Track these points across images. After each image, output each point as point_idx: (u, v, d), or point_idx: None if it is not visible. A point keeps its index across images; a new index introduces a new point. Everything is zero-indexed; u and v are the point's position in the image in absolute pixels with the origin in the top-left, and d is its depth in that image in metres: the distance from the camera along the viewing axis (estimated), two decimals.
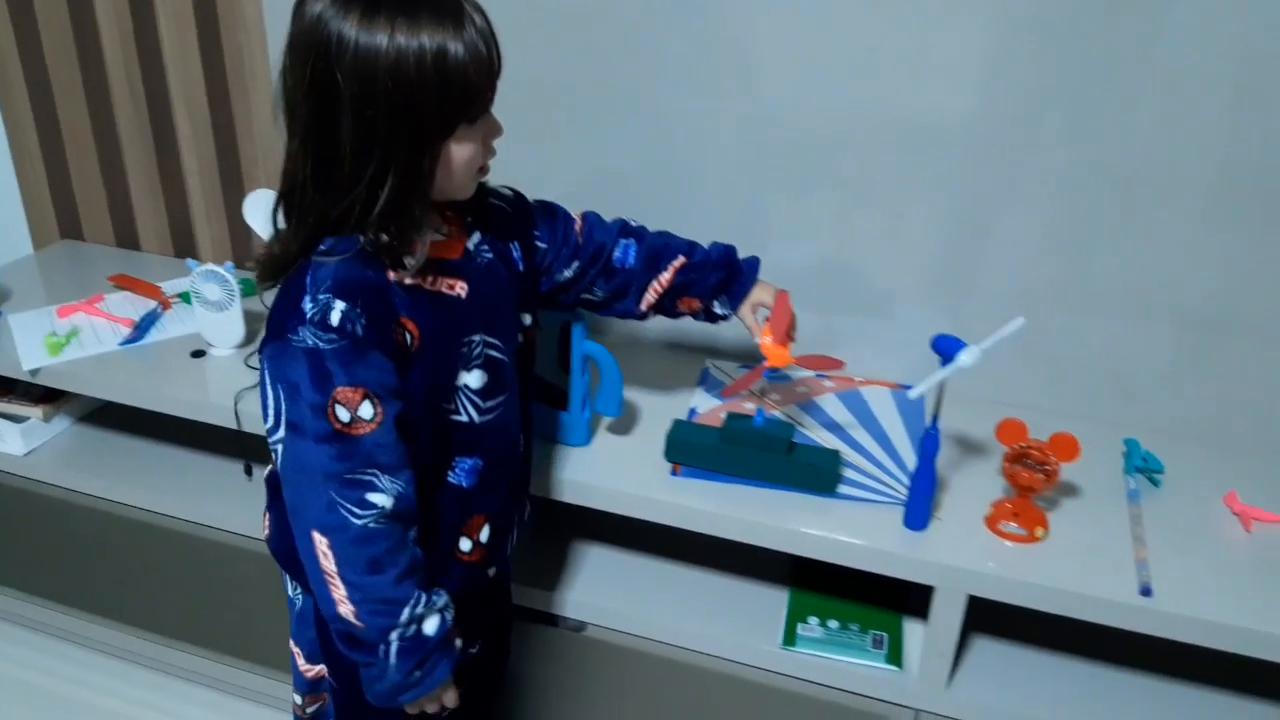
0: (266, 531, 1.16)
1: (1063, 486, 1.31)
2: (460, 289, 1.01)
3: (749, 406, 1.45)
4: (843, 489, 1.29)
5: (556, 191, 1.25)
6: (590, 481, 1.31)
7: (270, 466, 1.05)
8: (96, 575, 1.72)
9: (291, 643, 1.17)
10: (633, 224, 1.24)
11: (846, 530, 1.23)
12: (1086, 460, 1.34)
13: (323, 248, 0.94)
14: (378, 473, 0.93)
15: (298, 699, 1.17)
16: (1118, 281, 1.40)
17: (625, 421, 1.43)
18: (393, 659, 0.96)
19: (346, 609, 0.94)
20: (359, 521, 0.92)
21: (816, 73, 1.41)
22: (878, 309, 1.52)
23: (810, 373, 1.56)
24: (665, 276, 1.22)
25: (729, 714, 1.39)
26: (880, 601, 1.38)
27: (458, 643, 1.03)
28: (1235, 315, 1.38)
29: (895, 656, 1.30)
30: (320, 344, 0.90)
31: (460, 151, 0.93)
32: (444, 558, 1.06)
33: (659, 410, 1.44)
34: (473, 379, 1.03)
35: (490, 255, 1.06)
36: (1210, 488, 1.33)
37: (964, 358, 1.12)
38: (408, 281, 0.95)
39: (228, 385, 1.47)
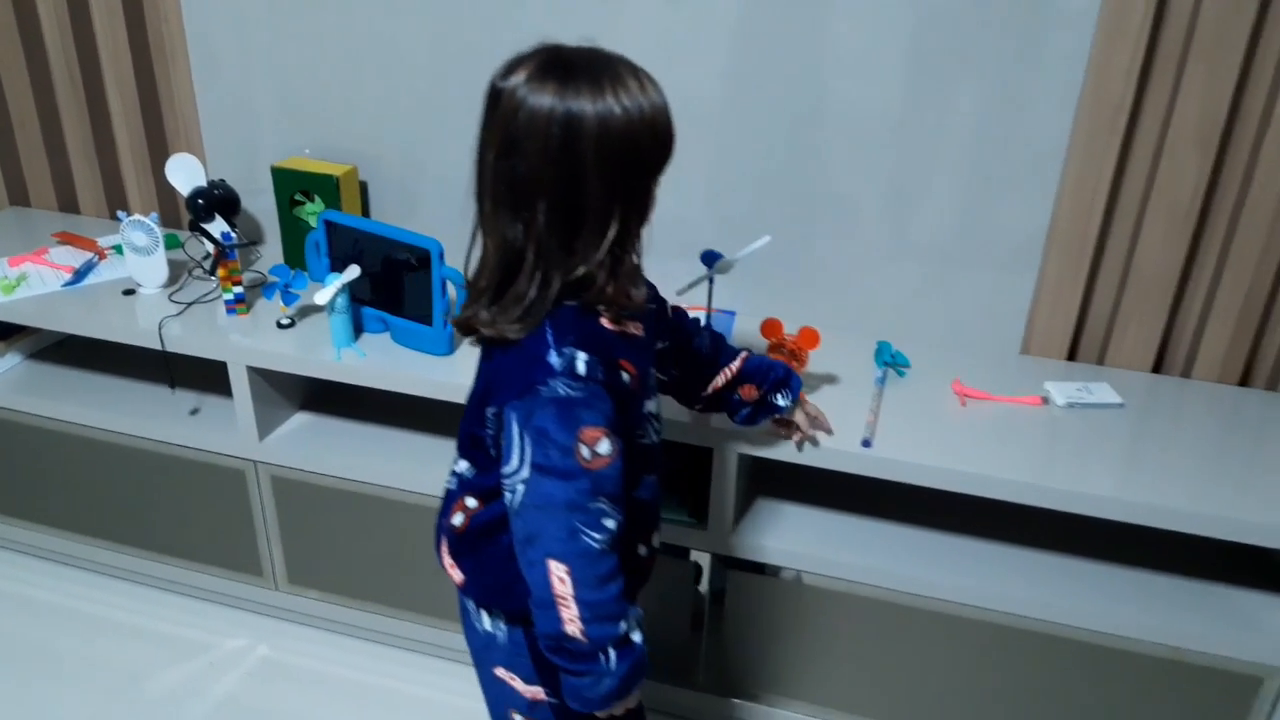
0: (461, 579, 1.20)
1: (824, 376, 1.65)
2: (639, 330, 1.11)
3: None
4: None
5: None
6: (451, 380, 1.63)
7: (461, 518, 1.17)
8: (46, 488, 2.01)
9: (501, 670, 1.21)
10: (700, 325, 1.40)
11: None
12: (848, 358, 1.70)
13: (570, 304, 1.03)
14: (607, 501, 1.01)
15: (519, 718, 1.23)
16: (900, 228, 1.75)
17: None
18: (613, 665, 1.03)
19: (574, 627, 1.01)
20: (596, 546, 1.01)
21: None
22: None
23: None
24: (734, 365, 1.38)
25: None
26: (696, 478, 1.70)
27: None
28: (972, 250, 1.73)
29: (698, 514, 1.63)
30: (571, 392, 0.99)
31: (654, 195, 1.04)
32: (630, 565, 1.11)
33: None
34: (652, 405, 1.16)
35: (653, 304, 1.18)
36: (943, 377, 1.67)
37: (720, 263, 1.45)
38: (615, 328, 1.06)
39: (153, 316, 1.77)
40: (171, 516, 1.94)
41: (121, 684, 1.84)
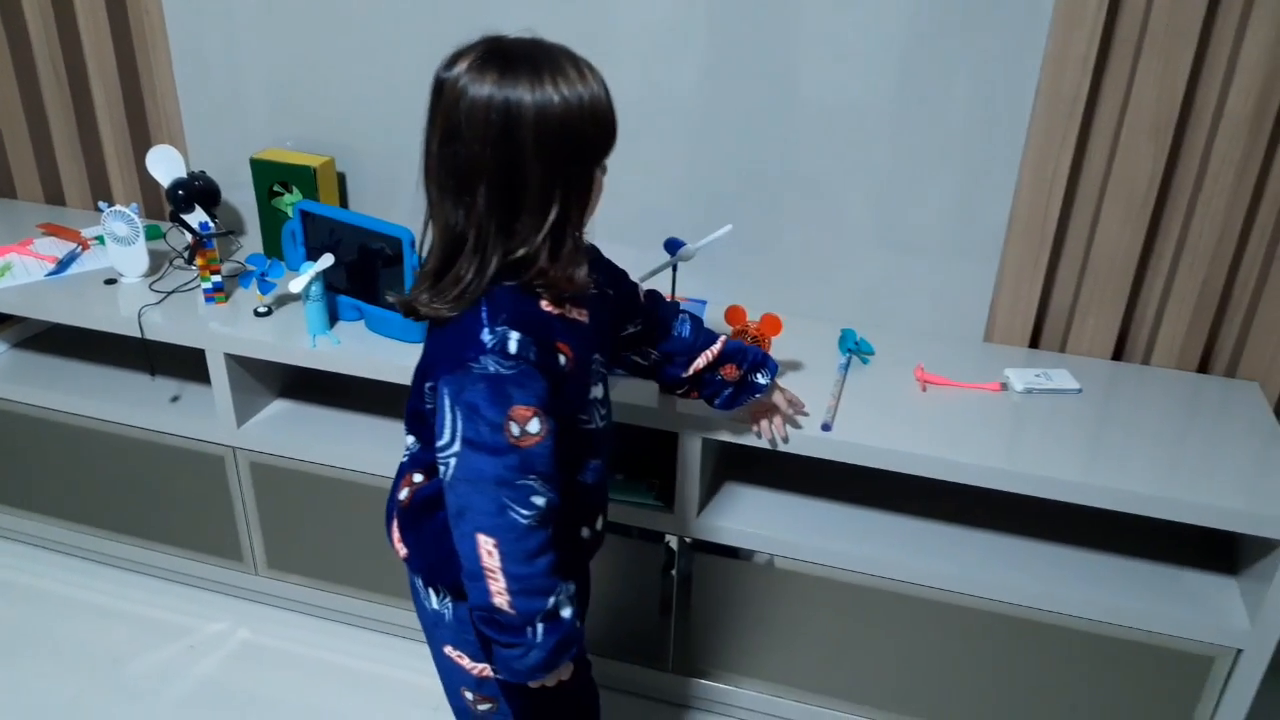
0: (405, 552, 1.24)
1: (789, 362, 1.68)
2: (583, 315, 1.14)
3: None
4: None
5: None
6: None
7: (406, 493, 1.22)
8: (28, 474, 2.05)
9: (449, 649, 1.23)
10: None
11: (619, 394, 1.58)
12: (813, 345, 1.73)
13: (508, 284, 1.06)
14: (538, 479, 1.04)
15: (469, 695, 1.25)
16: (870, 223, 1.79)
17: None
18: (539, 639, 1.06)
19: (502, 599, 1.05)
20: (524, 521, 1.04)
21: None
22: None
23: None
24: (715, 348, 1.41)
25: None
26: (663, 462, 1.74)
27: (578, 623, 1.13)
28: (935, 239, 1.76)
29: (665, 499, 1.67)
30: (502, 370, 1.02)
31: (599, 182, 1.08)
32: (570, 546, 1.16)
33: None
34: (598, 391, 1.19)
35: (594, 290, 1.17)
36: (907, 365, 1.70)
37: (682, 251, 1.49)
38: (555, 311, 1.09)
39: (134, 304, 1.81)
40: (152, 502, 1.98)
41: (102, 667, 1.88)
